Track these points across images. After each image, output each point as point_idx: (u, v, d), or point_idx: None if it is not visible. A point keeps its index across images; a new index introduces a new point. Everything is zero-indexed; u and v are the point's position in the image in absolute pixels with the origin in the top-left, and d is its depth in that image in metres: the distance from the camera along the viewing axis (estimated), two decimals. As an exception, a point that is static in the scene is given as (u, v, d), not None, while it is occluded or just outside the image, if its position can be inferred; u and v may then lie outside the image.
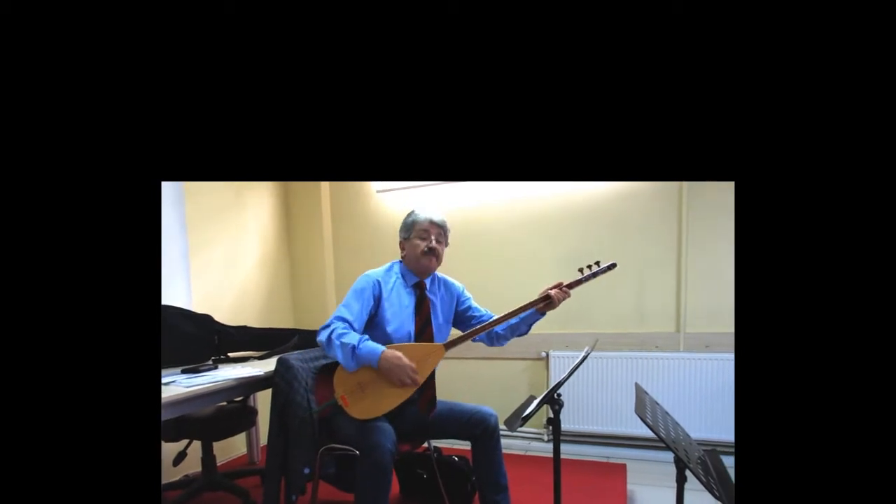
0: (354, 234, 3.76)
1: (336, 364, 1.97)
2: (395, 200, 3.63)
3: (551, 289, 1.94)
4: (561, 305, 1.95)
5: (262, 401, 2.92)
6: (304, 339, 2.78)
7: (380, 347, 1.82)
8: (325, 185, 3.77)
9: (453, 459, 2.38)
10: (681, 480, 1.34)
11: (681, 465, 1.31)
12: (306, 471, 1.95)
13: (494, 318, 2.03)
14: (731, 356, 2.80)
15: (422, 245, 1.98)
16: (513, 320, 2.00)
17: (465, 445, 2.09)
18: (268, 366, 2.20)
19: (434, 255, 2.01)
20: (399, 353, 1.82)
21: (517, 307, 1.96)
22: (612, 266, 1.97)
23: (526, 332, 2.08)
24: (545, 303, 1.94)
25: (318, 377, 2.10)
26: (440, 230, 2.02)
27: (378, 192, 3.66)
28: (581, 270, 1.97)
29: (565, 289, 1.95)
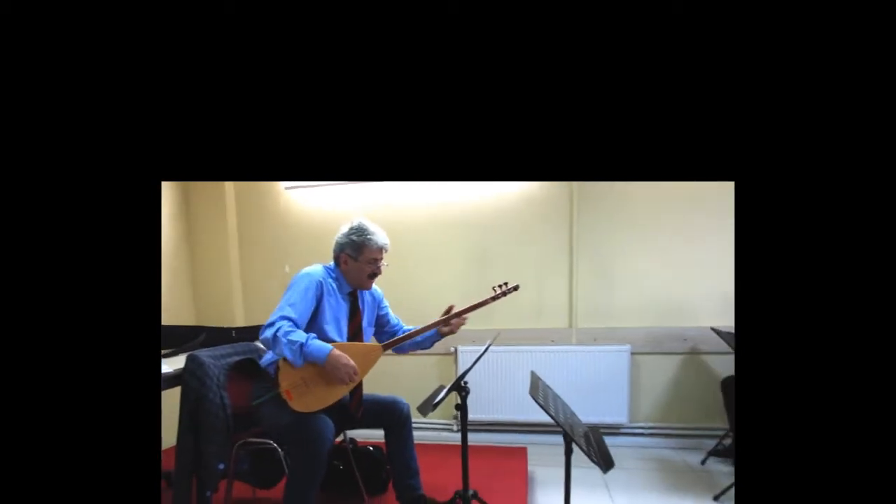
0: (263, 231, 3.72)
1: (250, 362, 1.99)
2: (304, 197, 3.63)
3: (451, 316, 2.11)
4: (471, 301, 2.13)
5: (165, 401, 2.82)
6: (212, 336, 2.74)
7: (327, 346, 1.89)
8: (229, 183, 3.69)
9: (368, 449, 2.48)
10: (568, 452, 1.55)
11: (567, 438, 1.52)
12: (221, 466, 1.96)
13: (409, 330, 2.19)
14: (617, 348, 3.16)
15: (369, 270, 2.07)
16: (418, 338, 2.17)
17: (377, 435, 2.20)
18: (175, 364, 2.16)
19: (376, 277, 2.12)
20: (345, 353, 1.90)
21: (424, 325, 2.13)
22: (516, 288, 2.16)
23: (429, 347, 2.25)
24: (447, 329, 2.12)
25: (230, 374, 2.11)
26: (385, 251, 2.12)
27: (286, 189, 3.64)
28: (494, 288, 2.15)
29: (464, 317, 2.13)
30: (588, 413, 3.09)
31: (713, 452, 2.87)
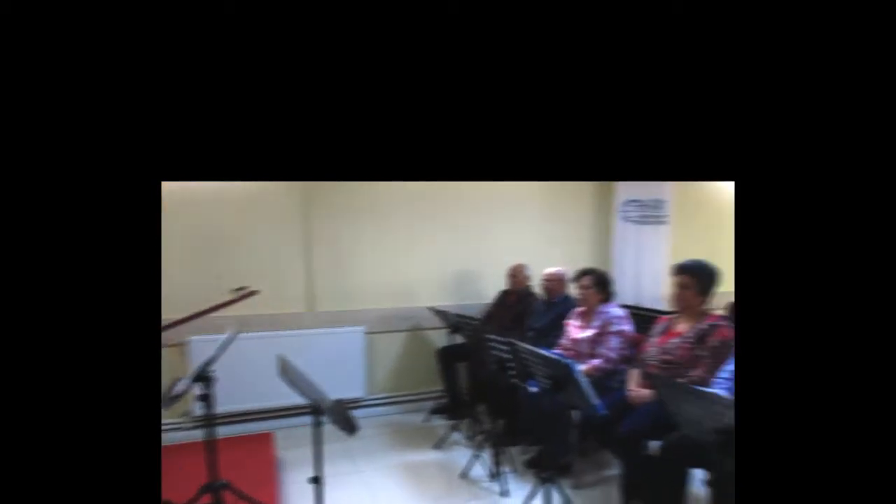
0: None
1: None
2: None
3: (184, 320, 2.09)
4: (202, 295, 2.08)
5: None
6: None
7: None
8: None
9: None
10: (317, 424, 1.71)
11: (316, 411, 1.68)
12: None
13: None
14: (353, 329, 3.43)
15: None
16: None
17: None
18: None
19: None
20: None
21: None
22: (254, 293, 2.20)
23: None
24: None
25: None
26: None
27: None
28: (232, 292, 2.15)
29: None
30: (330, 390, 3.22)
31: (433, 411, 3.42)
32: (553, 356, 1.95)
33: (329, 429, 1.74)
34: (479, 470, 2.59)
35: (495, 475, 2.48)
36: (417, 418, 3.44)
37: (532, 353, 2.02)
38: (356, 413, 3.46)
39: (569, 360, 1.89)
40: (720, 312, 2.22)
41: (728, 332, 2.04)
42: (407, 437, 3.13)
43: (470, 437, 3.02)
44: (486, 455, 2.63)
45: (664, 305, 3.65)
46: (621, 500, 2.14)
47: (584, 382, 1.78)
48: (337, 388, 3.35)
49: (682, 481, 1.81)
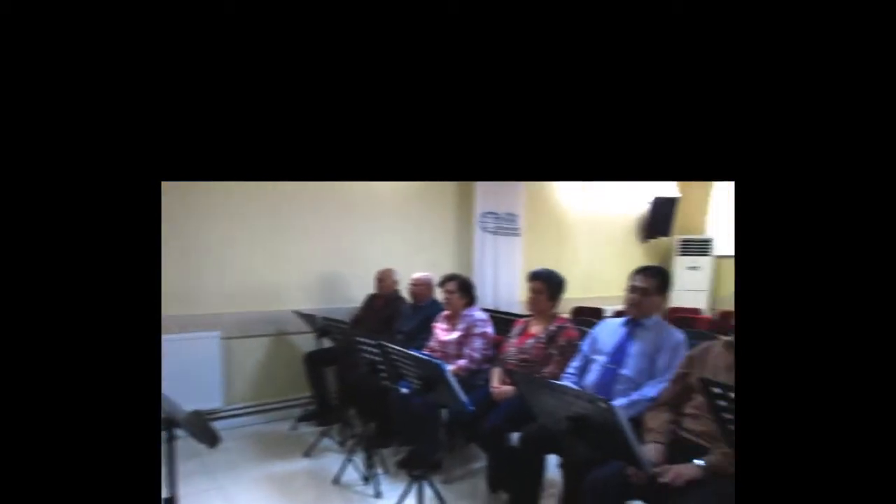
0: None
1: None
2: None
3: None
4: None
5: None
6: None
7: None
8: None
9: None
10: (169, 439, 1.60)
11: (169, 424, 1.57)
12: None
13: None
14: (206, 334, 3.20)
15: None
16: None
17: None
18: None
19: None
20: None
21: None
22: None
23: None
24: None
25: None
26: None
27: None
28: None
29: None
30: (183, 401, 3.01)
31: (301, 418, 3.35)
32: (424, 357, 2.07)
33: (183, 444, 1.65)
34: (352, 474, 2.62)
35: (368, 478, 2.53)
36: (284, 427, 3.34)
37: (403, 354, 2.11)
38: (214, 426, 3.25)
39: (439, 361, 2.01)
40: (566, 315, 2.53)
41: (573, 332, 2.34)
42: (273, 447, 3.02)
43: (341, 442, 3.02)
44: (359, 458, 2.66)
45: (519, 309, 4.01)
46: (488, 489, 2.33)
47: (454, 381, 1.92)
48: (191, 398, 3.11)
49: (540, 467, 2.04)
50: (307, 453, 2.91)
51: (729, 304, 4.97)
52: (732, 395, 1.16)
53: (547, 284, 2.42)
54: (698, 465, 1.48)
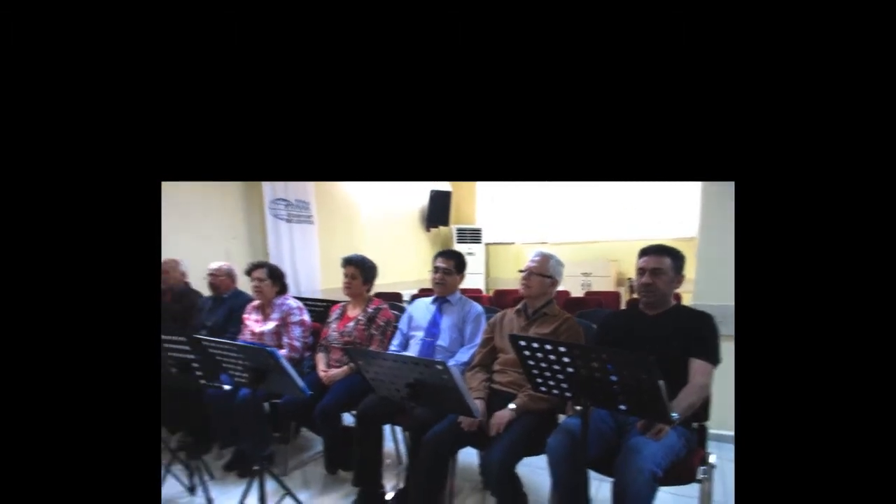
0: None
1: None
2: None
3: None
4: None
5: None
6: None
7: None
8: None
9: None
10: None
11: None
12: None
13: None
14: None
15: None
16: None
17: None
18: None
19: None
20: None
21: None
22: None
23: None
24: None
25: None
26: None
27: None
28: None
29: None
30: None
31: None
32: (255, 346, 2.02)
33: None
34: (175, 486, 2.35)
35: (193, 487, 2.33)
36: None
37: (228, 346, 2.01)
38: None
39: (272, 348, 1.99)
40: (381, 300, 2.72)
41: (390, 313, 2.55)
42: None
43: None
44: (178, 470, 2.39)
45: (323, 296, 4.06)
46: (327, 471, 2.38)
47: (289, 367, 1.93)
48: None
49: (378, 439, 2.18)
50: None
51: (501, 285, 5.85)
52: (536, 345, 1.48)
53: (360, 269, 2.57)
54: (511, 409, 1.83)
